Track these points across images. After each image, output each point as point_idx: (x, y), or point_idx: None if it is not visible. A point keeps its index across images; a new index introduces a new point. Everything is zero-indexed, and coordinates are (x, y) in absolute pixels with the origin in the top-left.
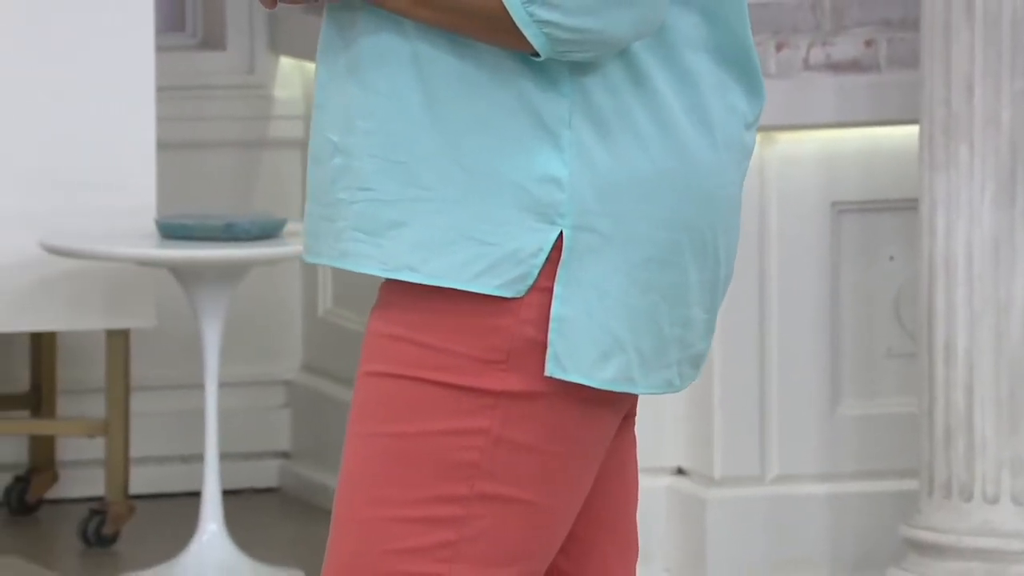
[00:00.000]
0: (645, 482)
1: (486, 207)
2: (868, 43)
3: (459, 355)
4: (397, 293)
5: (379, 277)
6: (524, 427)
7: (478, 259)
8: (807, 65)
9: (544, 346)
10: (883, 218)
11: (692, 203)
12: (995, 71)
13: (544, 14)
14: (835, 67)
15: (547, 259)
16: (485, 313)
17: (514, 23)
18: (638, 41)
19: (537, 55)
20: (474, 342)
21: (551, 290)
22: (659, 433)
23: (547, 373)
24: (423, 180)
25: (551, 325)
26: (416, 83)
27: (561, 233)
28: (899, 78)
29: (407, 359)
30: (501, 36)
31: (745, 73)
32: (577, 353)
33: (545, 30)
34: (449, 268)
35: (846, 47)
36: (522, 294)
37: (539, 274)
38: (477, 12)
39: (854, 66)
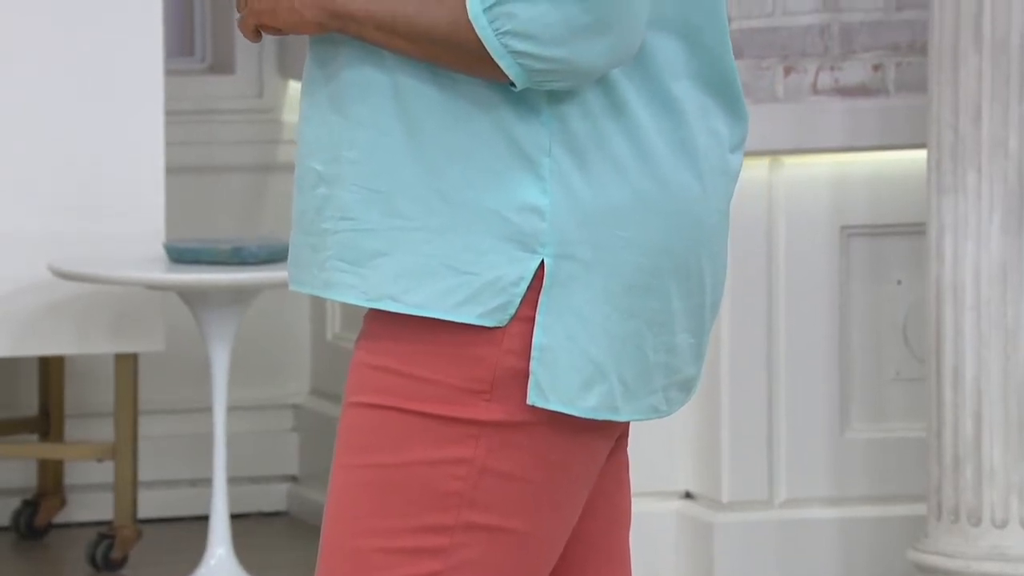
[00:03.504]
0: (654, 506)
1: (467, 236)
2: (876, 67)
3: (442, 385)
4: (380, 323)
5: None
6: (508, 456)
7: (459, 288)
8: (815, 89)
9: (527, 375)
10: (891, 242)
11: (674, 229)
12: (1003, 96)
13: (518, 45)
14: (843, 91)
15: (528, 288)
16: (467, 343)
17: (487, 55)
18: (616, 68)
19: (514, 85)
20: (457, 372)
21: (533, 319)
22: (667, 457)
23: (529, 402)
24: (404, 210)
25: (533, 354)
26: (397, 114)
27: (542, 262)
28: (907, 102)
29: (391, 389)
30: (478, 66)
31: (726, 97)
32: (559, 382)
33: (520, 60)
34: (431, 298)
35: (854, 71)
36: (504, 323)
37: (521, 303)
38: (454, 43)
39: (862, 90)
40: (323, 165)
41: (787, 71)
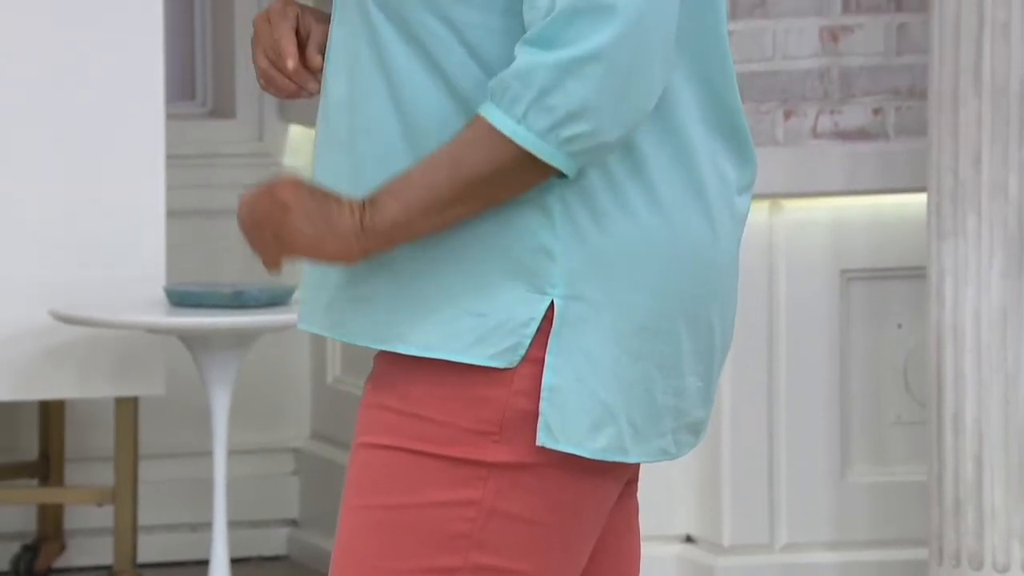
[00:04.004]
0: (655, 550)
1: (477, 277)
2: (876, 111)
3: (452, 426)
4: (390, 364)
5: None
6: (517, 498)
7: (469, 330)
8: (815, 133)
9: (536, 416)
10: (891, 286)
11: (683, 272)
12: (1003, 140)
13: (565, 132)
14: (843, 135)
15: (538, 329)
16: (477, 384)
17: (536, 162)
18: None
19: (565, 175)
20: (466, 413)
21: (542, 360)
22: (668, 501)
23: (538, 443)
24: (410, 251)
25: (543, 395)
26: (406, 155)
27: (552, 303)
28: (907, 146)
29: (400, 430)
30: (529, 177)
31: (734, 140)
32: (569, 423)
33: (568, 149)
34: (440, 339)
35: (854, 115)
36: (514, 364)
37: (531, 344)
38: (502, 173)
39: (862, 134)
40: None
41: (787, 115)
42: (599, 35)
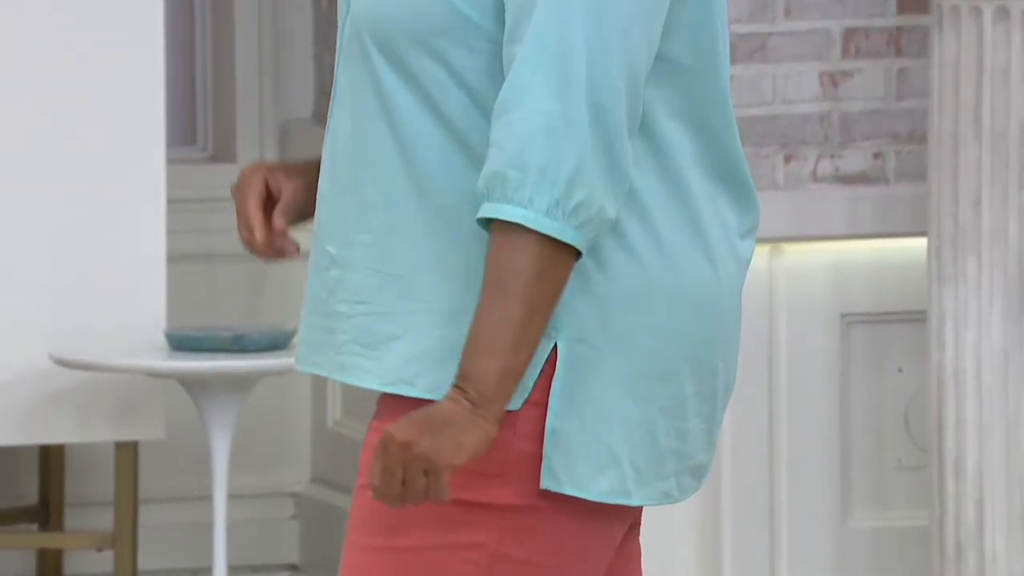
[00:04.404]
0: None
1: None
2: (876, 156)
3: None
4: (394, 406)
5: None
6: (521, 541)
7: None
8: (815, 177)
9: (539, 459)
10: (892, 330)
11: (686, 315)
12: (1003, 184)
13: (583, 214)
14: (843, 179)
15: (541, 372)
16: None
17: (556, 244)
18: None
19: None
20: None
21: (546, 403)
22: (668, 545)
23: (543, 486)
24: (417, 293)
25: (546, 438)
26: (410, 197)
27: (555, 346)
28: (907, 191)
29: None
30: (558, 266)
31: (734, 185)
32: (572, 466)
33: (587, 229)
34: (443, 382)
35: (854, 160)
36: (517, 407)
37: (534, 387)
38: (540, 268)
39: (862, 179)
40: (336, 248)
41: (787, 159)
42: (565, 94)
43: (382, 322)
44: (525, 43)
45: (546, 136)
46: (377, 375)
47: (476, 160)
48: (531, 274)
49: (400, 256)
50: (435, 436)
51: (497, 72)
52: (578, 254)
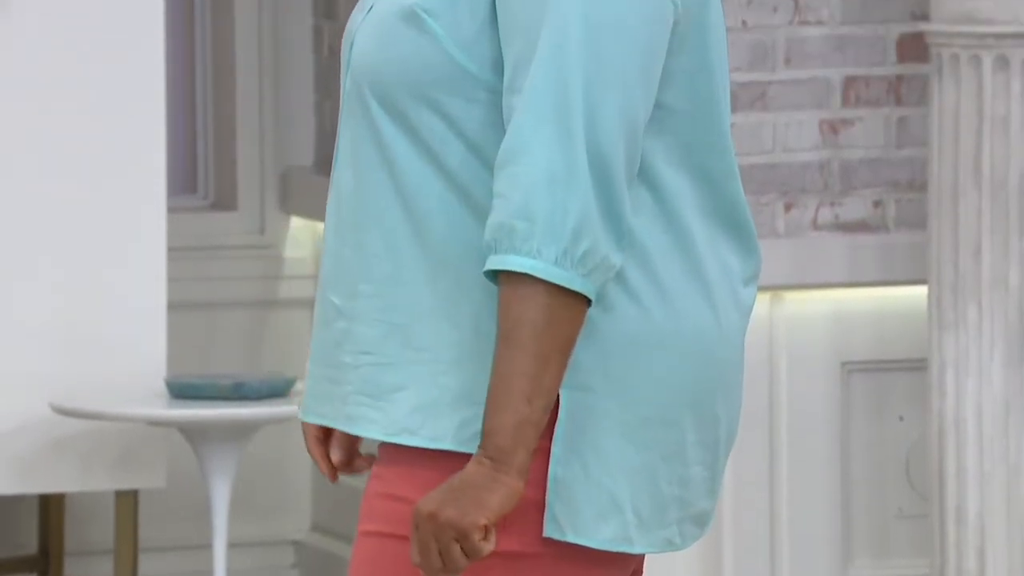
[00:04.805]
0: None
1: (483, 367)
2: (876, 204)
3: None
4: (397, 453)
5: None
6: None
7: (475, 420)
8: (815, 225)
9: (542, 506)
10: (893, 378)
11: (688, 362)
12: (1003, 232)
13: (590, 261)
14: (844, 227)
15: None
16: None
17: (567, 301)
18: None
19: (591, 302)
20: None
21: (548, 450)
22: None
23: (545, 534)
24: (421, 342)
25: (549, 486)
26: (413, 247)
27: (558, 393)
28: (907, 239)
29: (404, 519)
30: (568, 312)
31: (737, 231)
32: (575, 513)
33: (595, 276)
34: (446, 431)
35: (854, 208)
36: None
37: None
38: (552, 318)
39: (863, 226)
40: (340, 299)
41: (787, 207)
42: (564, 144)
43: (387, 372)
44: (524, 93)
45: (550, 186)
46: (382, 425)
47: (476, 210)
48: (541, 324)
49: (403, 306)
50: (458, 501)
51: (496, 122)
52: (588, 302)
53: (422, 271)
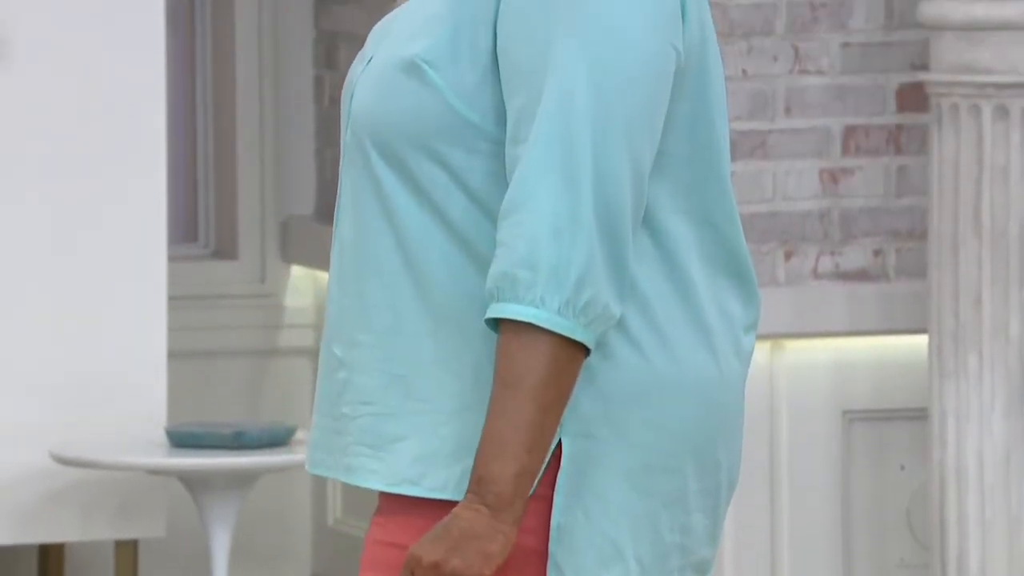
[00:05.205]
0: None
1: (483, 419)
2: (877, 253)
3: None
4: (398, 502)
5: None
6: None
7: None
8: (816, 274)
9: (544, 555)
10: (894, 427)
11: (690, 409)
12: (1003, 281)
13: (593, 310)
14: (844, 276)
15: (547, 467)
16: None
17: (568, 351)
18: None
19: (589, 351)
20: None
21: (549, 497)
22: None
23: None
24: (421, 392)
25: (552, 535)
26: (413, 298)
27: (560, 441)
28: (908, 288)
29: None
30: (571, 362)
31: (738, 278)
32: (578, 561)
33: (597, 324)
34: (448, 481)
35: (855, 257)
36: None
37: (539, 482)
38: (554, 368)
39: (863, 275)
40: (342, 350)
41: (788, 255)
42: (573, 194)
43: (387, 423)
44: (530, 143)
45: (554, 236)
46: (383, 476)
47: (477, 259)
48: (544, 374)
49: (403, 356)
50: (463, 552)
51: (497, 172)
52: (587, 352)
53: (423, 322)
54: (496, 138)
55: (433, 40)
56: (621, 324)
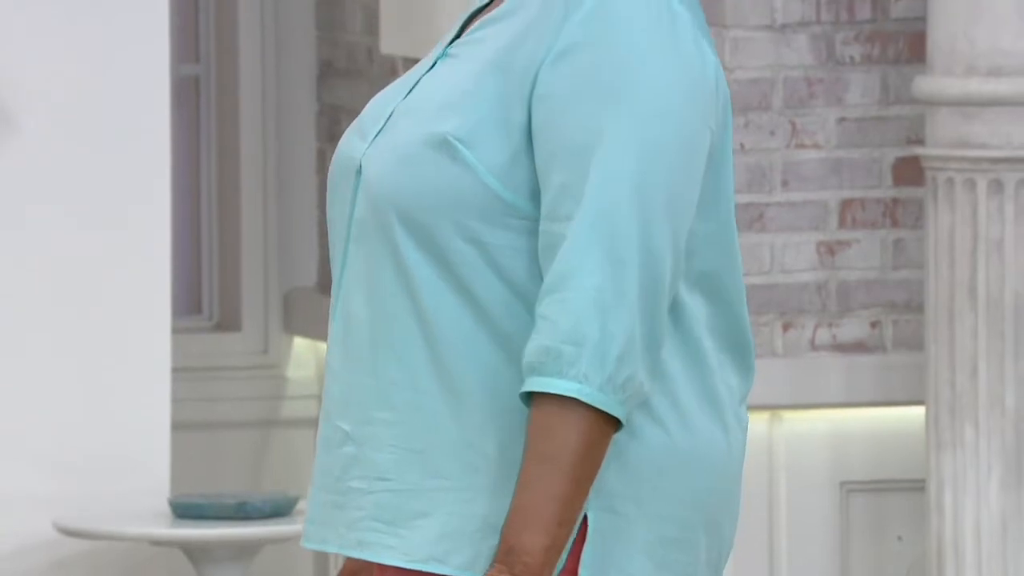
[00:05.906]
0: None
1: (510, 495)
2: (874, 324)
3: None
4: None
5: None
6: None
7: None
8: (814, 345)
9: None
10: (891, 498)
11: (705, 483)
12: (999, 353)
13: (629, 388)
14: (841, 348)
15: (573, 541)
16: None
17: (604, 427)
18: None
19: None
20: None
21: (576, 571)
22: None
23: None
24: (444, 470)
25: None
26: (433, 377)
27: (585, 516)
28: (905, 359)
29: None
30: (602, 439)
31: (740, 352)
32: None
33: (631, 401)
34: (475, 559)
35: (852, 328)
36: None
37: (567, 556)
38: (589, 443)
39: (860, 347)
40: (351, 425)
41: (785, 327)
42: (617, 270)
43: (406, 499)
44: (576, 221)
45: (599, 312)
46: (402, 552)
47: (499, 336)
48: (581, 449)
49: (424, 433)
50: None
51: (526, 249)
52: (618, 427)
53: (442, 399)
54: (528, 215)
55: (464, 118)
56: (644, 402)
